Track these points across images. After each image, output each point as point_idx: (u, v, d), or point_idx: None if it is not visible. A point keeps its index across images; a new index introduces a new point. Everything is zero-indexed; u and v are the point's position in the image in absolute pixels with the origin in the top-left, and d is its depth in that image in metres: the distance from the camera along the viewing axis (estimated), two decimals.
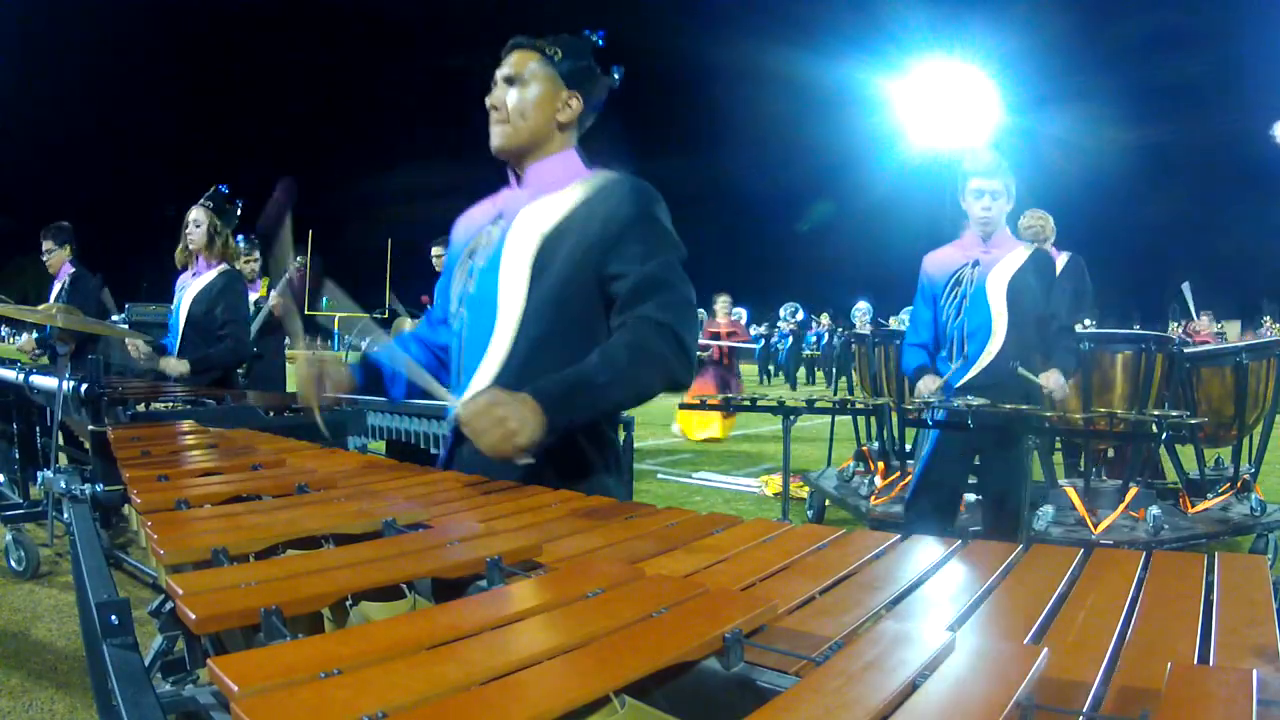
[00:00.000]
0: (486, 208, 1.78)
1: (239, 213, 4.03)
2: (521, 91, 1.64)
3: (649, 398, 1.52)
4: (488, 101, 1.66)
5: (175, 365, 3.73)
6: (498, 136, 1.66)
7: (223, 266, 3.93)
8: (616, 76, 1.73)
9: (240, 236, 5.44)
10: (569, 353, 1.49)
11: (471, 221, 1.80)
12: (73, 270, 5.07)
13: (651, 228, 1.57)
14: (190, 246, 3.91)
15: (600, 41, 1.70)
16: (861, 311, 14.68)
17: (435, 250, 5.37)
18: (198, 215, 3.89)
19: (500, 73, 1.66)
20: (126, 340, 4.00)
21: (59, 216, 5.27)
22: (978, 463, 3.36)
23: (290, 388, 4.35)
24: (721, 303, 10.12)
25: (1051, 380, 2.98)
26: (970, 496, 4.29)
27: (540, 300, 1.56)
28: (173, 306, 4.05)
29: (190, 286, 3.91)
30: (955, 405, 2.96)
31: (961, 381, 3.14)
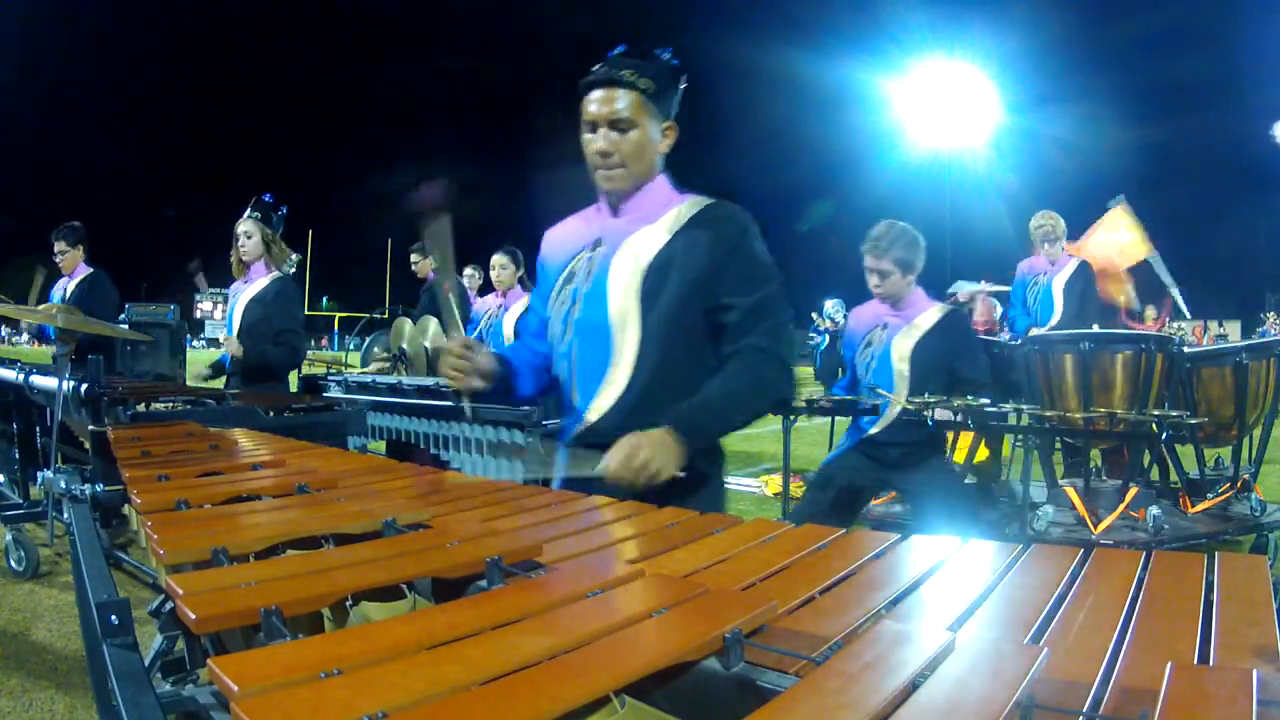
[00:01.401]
0: (577, 227, 1.81)
1: (284, 216, 4.05)
2: (630, 135, 1.64)
3: (760, 417, 1.70)
4: (597, 148, 1.65)
5: (234, 346, 3.79)
6: (615, 181, 1.68)
7: (275, 274, 3.96)
8: (683, 85, 1.72)
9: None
10: (684, 377, 1.63)
11: (564, 241, 1.82)
12: (90, 271, 4.98)
13: (753, 257, 1.66)
14: (244, 259, 3.94)
15: (675, 60, 1.69)
16: (832, 308, 14.24)
17: (494, 260, 5.31)
18: (248, 228, 3.91)
19: (596, 112, 1.64)
20: (191, 371, 4.06)
21: (59, 216, 5.23)
22: (900, 495, 3.50)
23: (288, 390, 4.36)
24: (983, 306, 9.06)
25: (939, 413, 3.07)
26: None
27: (656, 329, 1.64)
28: (227, 312, 4.09)
29: (244, 293, 3.94)
30: (953, 404, 2.97)
31: (870, 433, 3.31)
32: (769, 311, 1.63)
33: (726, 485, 1.81)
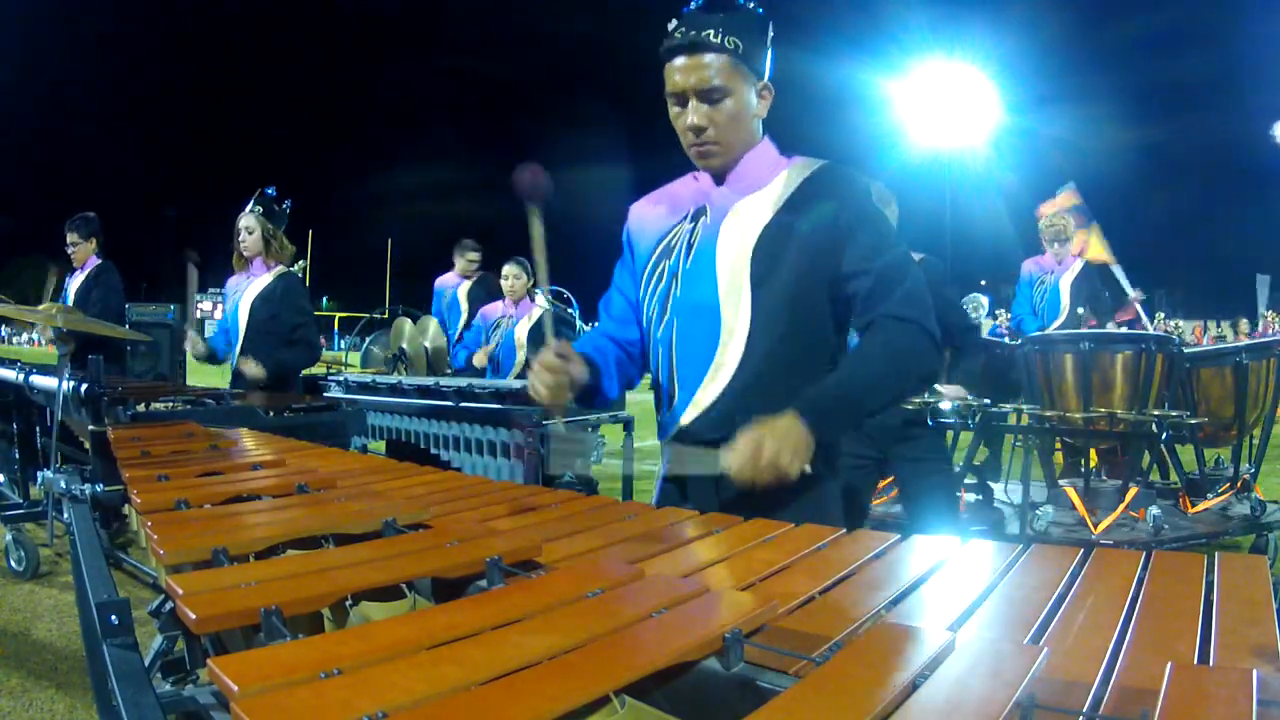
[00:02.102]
0: (672, 197, 1.65)
1: (289, 211, 3.97)
2: (724, 105, 1.47)
3: (908, 397, 1.52)
4: (688, 124, 1.49)
5: (253, 369, 3.68)
6: (712, 158, 1.53)
7: (280, 269, 3.88)
8: (771, 35, 1.54)
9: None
10: (802, 358, 1.47)
11: (657, 213, 1.66)
12: (99, 263, 4.89)
13: (876, 219, 1.49)
14: (245, 254, 3.87)
15: (759, 9, 1.50)
16: None
17: (507, 270, 5.19)
18: (249, 222, 3.84)
19: (683, 82, 1.47)
20: (189, 339, 3.99)
21: (59, 216, 5.19)
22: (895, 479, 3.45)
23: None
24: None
25: (951, 391, 3.12)
26: (970, 497, 4.30)
27: (770, 306, 1.47)
28: (227, 309, 4.00)
29: (247, 290, 3.86)
30: (955, 404, 2.97)
31: None
32: (902, 275, 1.44)
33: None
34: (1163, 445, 3.91)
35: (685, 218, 1.59)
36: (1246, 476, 4.32)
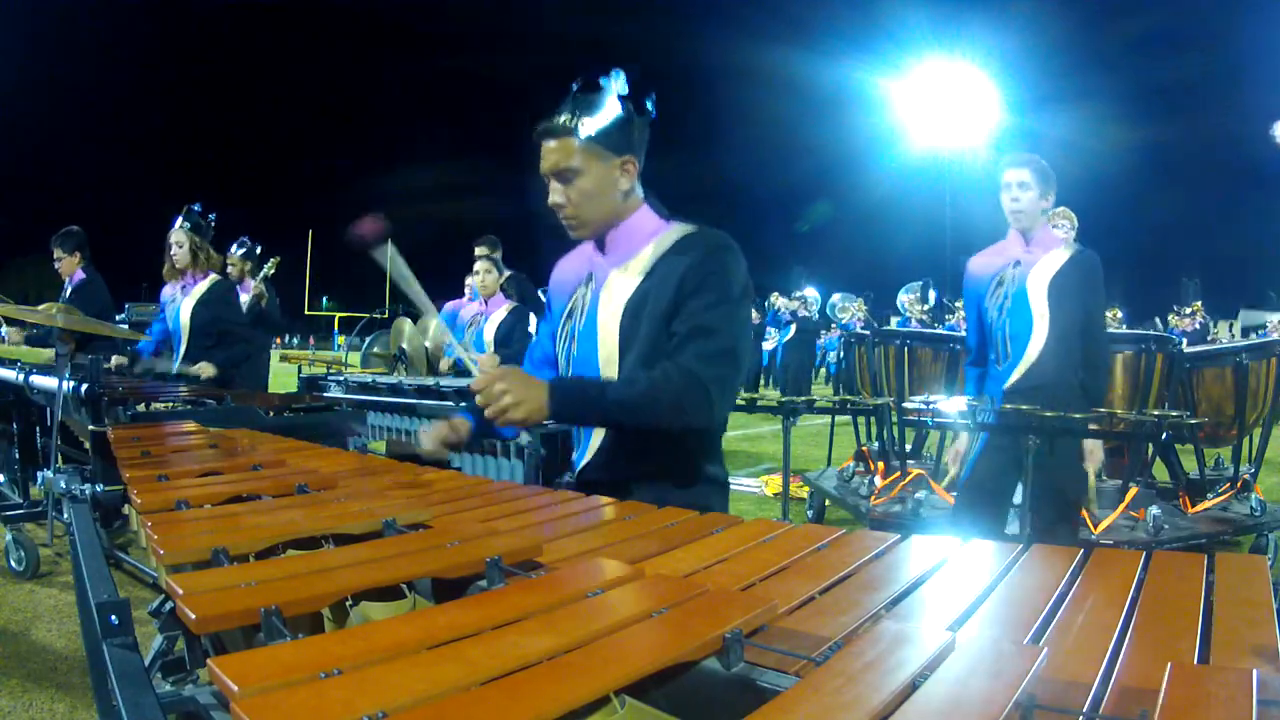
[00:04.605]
0: (577, 261, 1.80)
1: (214, 224, 4.32)
2: (577, 184, 1.61)
3: (657, 429, 1.59)
4: (550, 201, 1.65)
5: (206, 369, 4.05)
6: (574, 232, 1.68)
7: (213, 277, 4.24)
8: (651, 109, 1.65)
9: (243, 241, 5.96)
10: None
11: (566, 276, 1.81)
12: (84, 276, 5.05)
13: (715, 281, 1.57)
14: (177, 266, 4.22)
15: (626, 85, 1.61)
16: (808, 301, 13.30)
17: (476, 265, 5.20)
18: (179, 237, 4.17)
19: (545, 167, 1.63)
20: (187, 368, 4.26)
21: (58, 216, 5.26)
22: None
23: (272, 383, 4.49)
24: None
25: (1092, 457, 3.00)
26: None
27: (632, 368, 1.60)
28: (167, 317, 4.32)
29: (186, 299, 4.20)
30: (998, 409, 2.93)
31: (1007, 384, 3.11)
32: (709, 334, 1.54)
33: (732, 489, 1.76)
34: (1162, 445, 3.91)
35: (581, 282, 1.75)
36: (1246, 476, 4.32)
